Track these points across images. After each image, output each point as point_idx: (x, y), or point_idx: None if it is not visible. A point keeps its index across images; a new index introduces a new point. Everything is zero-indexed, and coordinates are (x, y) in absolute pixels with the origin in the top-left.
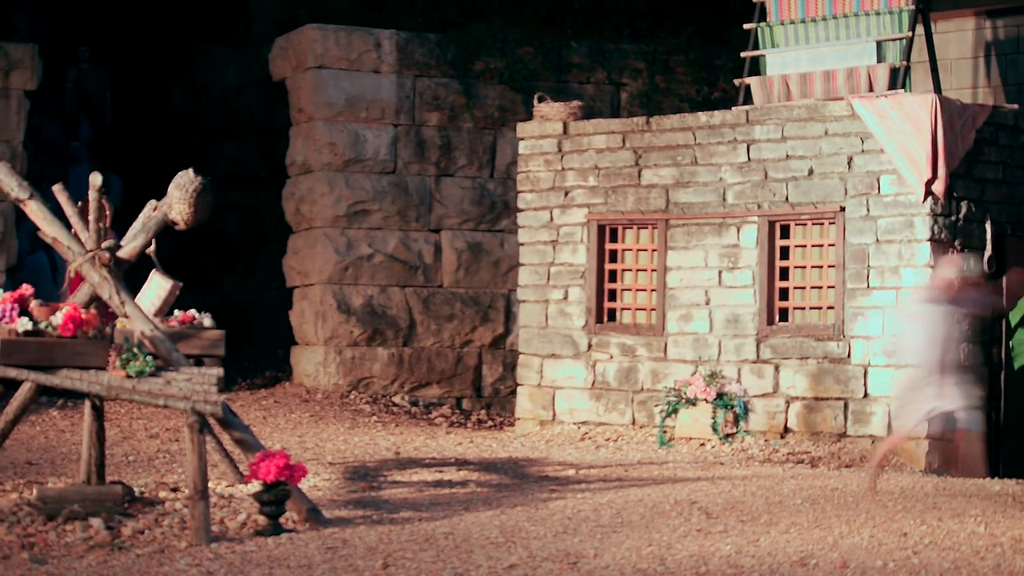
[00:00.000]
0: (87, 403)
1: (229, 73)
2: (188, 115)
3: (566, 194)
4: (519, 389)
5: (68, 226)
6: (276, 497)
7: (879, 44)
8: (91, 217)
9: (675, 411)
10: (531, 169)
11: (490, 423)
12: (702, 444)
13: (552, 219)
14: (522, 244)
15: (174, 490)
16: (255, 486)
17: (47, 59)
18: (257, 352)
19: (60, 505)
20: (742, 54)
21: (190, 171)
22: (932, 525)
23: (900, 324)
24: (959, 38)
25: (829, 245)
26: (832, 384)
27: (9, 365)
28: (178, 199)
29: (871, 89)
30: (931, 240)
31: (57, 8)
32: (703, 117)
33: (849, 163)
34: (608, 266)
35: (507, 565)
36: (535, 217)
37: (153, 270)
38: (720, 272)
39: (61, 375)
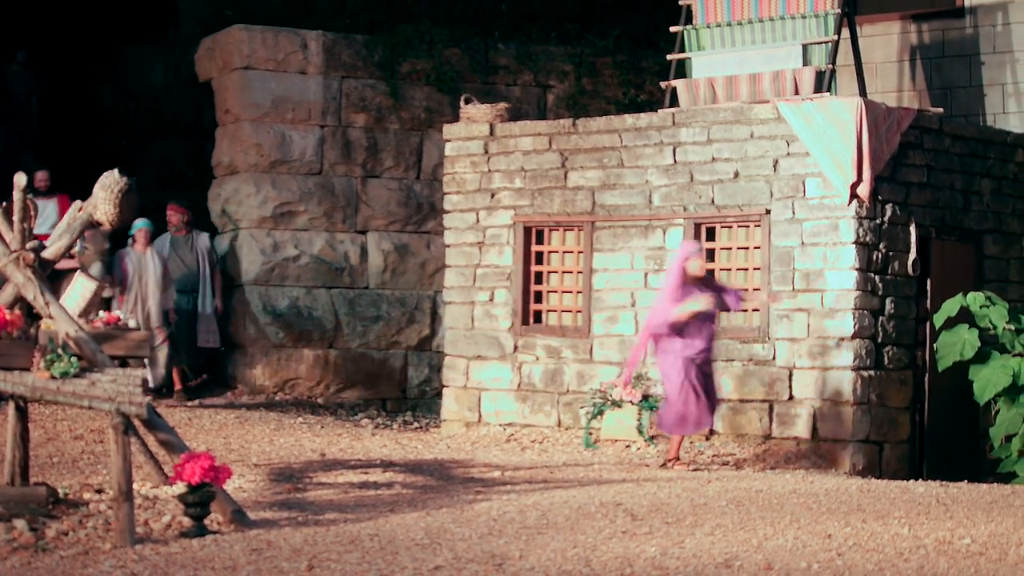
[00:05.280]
0: (11, 404)
1: (157, 74)
2: (117, 116)
3: (492, 196)
4: (445, 391)
5: None
6: (201, 499)
7: (805, 47)
8: (15, 217)
9: (600, 413)
10: (457, 171)
11: (416, 425)
12: (627, 446)
13: (478, 221)
14: (448, 246)
15: (98, 491)
16: (180, 488)
17: None
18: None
19: None
20: (668, 57)
21: (115, 171)
22: (856, 527)
23: None
24: (885, 42)
25: (755, 248)
26: (757, 386)
27: None
28: (103, 199)
29: (797, 92)
30: (856, 243)
31: None
32: (629, 120)
33: (775, 166)
34: (534, 268)
35: (432, 567)
36: (461, 219)
37: (78, 271)
38: (646, 274)
39: None
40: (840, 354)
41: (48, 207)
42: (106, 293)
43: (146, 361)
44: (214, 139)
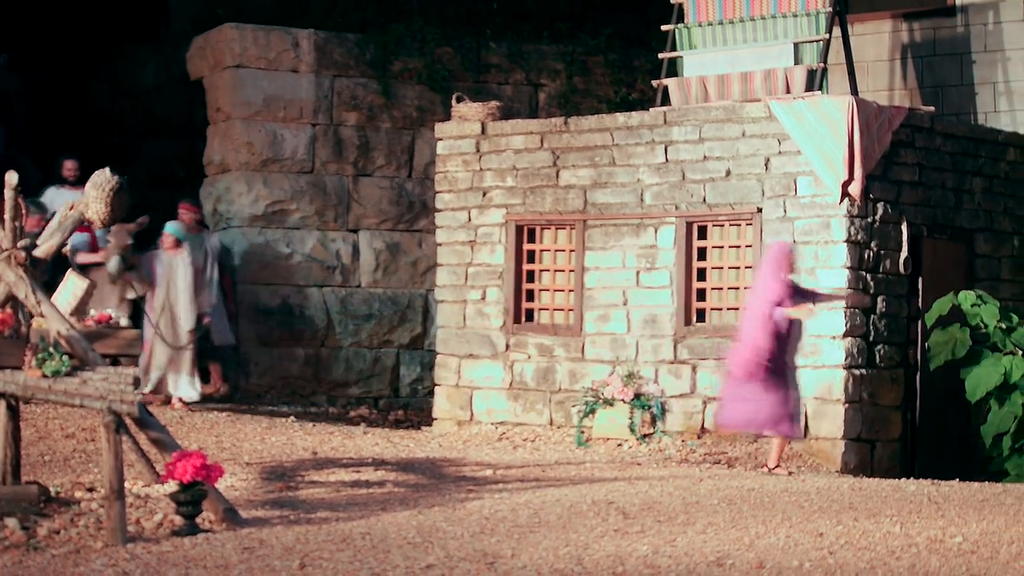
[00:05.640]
0: (2, 403)
1: (149, 73)
2: (109, 115)
3: (484, 194)
4: (437, 389)
5: None
6: (193, 497)
7: (796, 46)
8: (7, 216)
9: (592, 411)
10: (449, 169)
11: (408, 423)
12: (619, 444)
13: (470, 219)
14: (440, 244)
15: (90, 490)
16: (171, 486)
17: None
18: None
19: None
20: (660, 55)
21: (106, 170)
22: (848, 525)
23: None
24: (876, 40)
25: (746, 246)
26: None
27: None
28: (95, 198)
29: (788, 91)
30: (848, 242)
31: None
32: (621, 118)
33: (766, 164)
34: (526, 266)
35: (424, 565)
36: (453, 217)
37: (69, 269)
38: (638, 273)
39: None
40: (832, 352)
41: (76, 197)
42: (130, 295)
43: (171, 374)
44: (206, 138)
